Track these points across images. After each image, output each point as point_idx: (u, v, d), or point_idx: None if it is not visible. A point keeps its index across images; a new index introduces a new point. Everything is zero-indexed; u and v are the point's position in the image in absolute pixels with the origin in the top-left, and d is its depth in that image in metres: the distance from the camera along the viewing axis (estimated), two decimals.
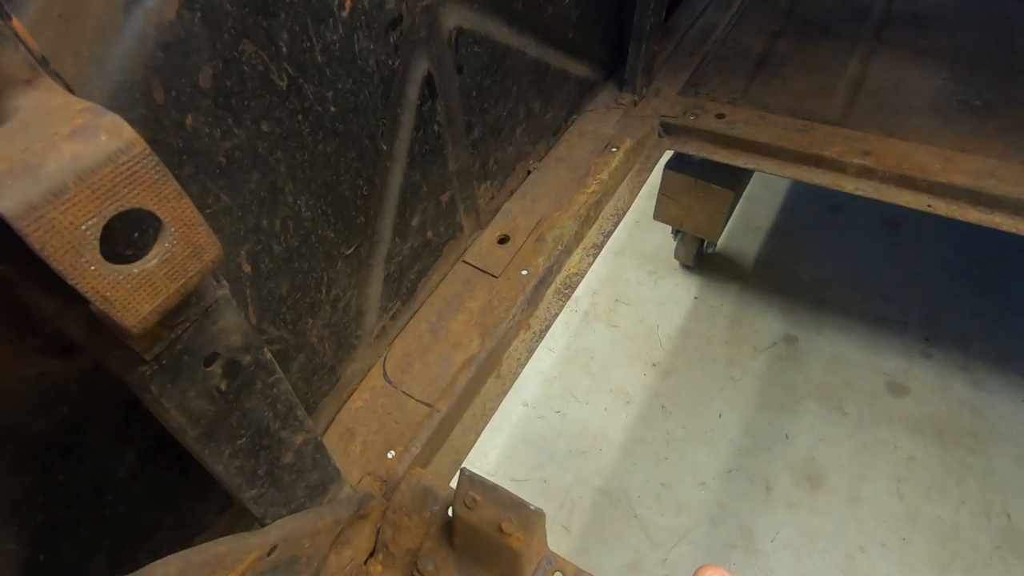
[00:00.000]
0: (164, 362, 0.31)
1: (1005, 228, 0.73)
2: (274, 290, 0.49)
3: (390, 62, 0.51)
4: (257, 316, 0.48)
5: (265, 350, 0.37)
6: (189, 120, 0.37)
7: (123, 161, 0.21)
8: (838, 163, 0.81)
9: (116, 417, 0.39)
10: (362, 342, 0.64)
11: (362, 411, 0.64)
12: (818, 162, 0.83)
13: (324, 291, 0.55)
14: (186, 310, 0.30)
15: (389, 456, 0.60)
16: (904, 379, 1.15)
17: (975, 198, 0.75)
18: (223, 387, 0.35)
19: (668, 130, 0.91)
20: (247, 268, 0.45)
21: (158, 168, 0.22)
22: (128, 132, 0.21)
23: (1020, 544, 0.95)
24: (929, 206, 0.77)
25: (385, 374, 0.67)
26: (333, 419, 0.63)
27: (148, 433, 0.41)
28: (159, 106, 0.35)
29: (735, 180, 1.07)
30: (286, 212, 0.47)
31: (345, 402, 0.64)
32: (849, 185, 0.81)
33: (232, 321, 0.33)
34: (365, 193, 0.55)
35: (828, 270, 1.34)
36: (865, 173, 0.81)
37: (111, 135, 0.21)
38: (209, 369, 0.34)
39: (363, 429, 0.63)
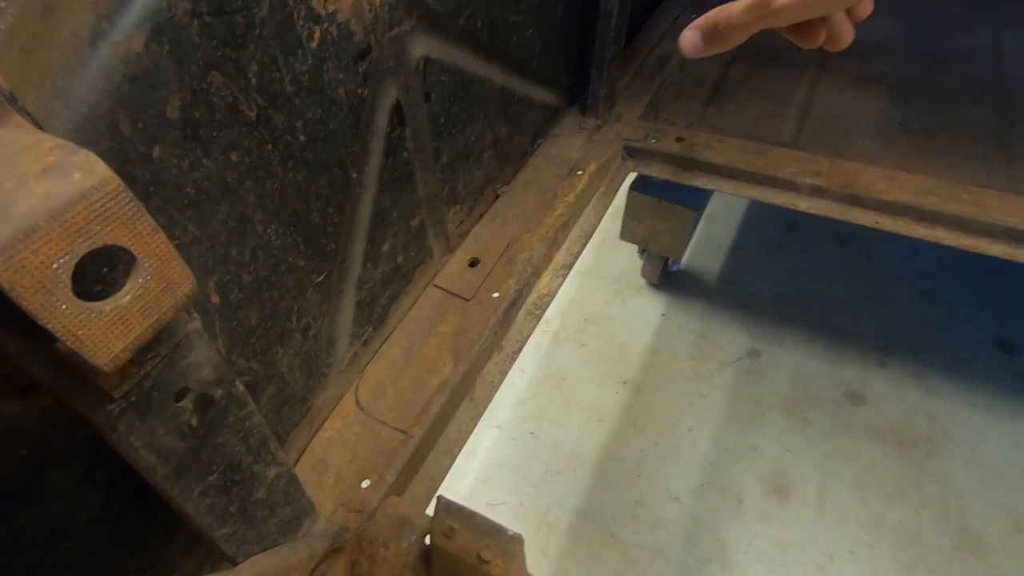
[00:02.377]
0: (133, 399, 0.30)
1: (946, 242, 0.78)
2: (244, 320, 0.48)
3: (359, 91, 0.52)
4: (226, 347, 0.47)
5: (237, 383, 0.36)
6: (156, 151, 0.36)
7: (96, 198, 0.21)
8: (791, 183, 0.85)
9: (77, 458, 0.37)
10: (333, 370, 0.63)
11: (334, 441, 0.63)
12: (773, 182, 0.86)
13: (295, 320, 0.54)
14: (157, 345, 0.29)
15: (363, 486, 0.59)
16: (862, 388, 1.20)
17: (918, 214, 0.80)
18: (194, 423, 0.34)
19: (631, 153, 0.94)
20: (216, 299, 0.44)
21: (132, 204, 0.22)
22: (102, 169, 0.21)
23: (978, 544, 0.99)
24: (877, 223, 0.82)
25: (357, 402, 0.66)
26: (304, 450, 0.62)
27: (111, 474, 0.40)
28: (125, 138, 0.34)
29: (696, 200, 1.11)
30: (256, 241, 0.46)
31: (317, 432, 0.63)
32: (802, 204, 0.85)
33: (203, 355, 0.33)
34: (335, 220, 0.55)
35: (787, 285, 1.39)
36: (817, 192, 0.84)
37: (84, 172, 0.20)
38: (179, 404, 0.33)
39: (336, 459, 0.61)
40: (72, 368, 0.26)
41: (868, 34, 1.11)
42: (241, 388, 0.37)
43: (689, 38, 0.40)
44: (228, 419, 0.37)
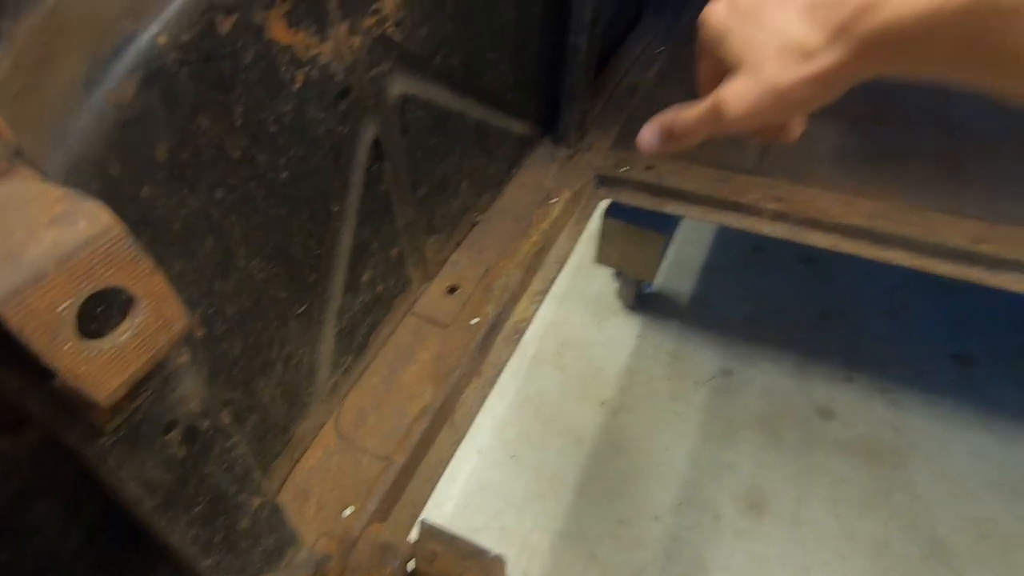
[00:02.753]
0: (123, 433, 0.31)
1: (900, 262, 0.82)
2: (227, 352, 0.49)
3: (340, 129, 0.54)
4: (210, 378, 0.48)
5: (223, 414, 0.37)
6: (145, 191, 0.38)
7: (100, 244, 0.22)
8: (755, 208, 0.89)
9: (64, 492, 0.37)
10: (315, 399, 0.64)
11: (316, 470, 0.63)
12: (737, 208, 0.91)
13: (277, 350, 0.55)
14: (148, 380, 0.30)
15: (345, 514, 0.59)
16: (831, 404, 1.24)
17: (873, 237, 0.84)
18: (181, 454, 0.35)
19: (603, 181, 0.97)
20: (200, 332, 0.45)
21: (133, 248, 0.24)
22: (106, 217, 0.22)
23: (945, 553, 1.03)
24: (835, 245, 0.86)
25: (338, 430, 0.66)
26: (286, 480, 0.62)
27: (95, 508, 0.40)
28: (115, 179, 0.36)
29: (666, 225, 1.15)
30: (239, 275, 0.48)
31: (298, 461, 0.63)
32: (766, 228, 0.89)
33: (191, 387, 0.34)
34: (317, 252, 0.56)
35: (756, 305, 1.44)
36: (779, 217, 0.89)
37: (90, 221, 0.22)
38: (167, 437, 0.34)
39: (317, 488, 0.62)
40: (66, 404, 0.27)
41: None
42: (227, 419, 0.37)
43: (647, 138, 0.42)
44: (214, 450, 0.38)
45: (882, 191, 0.89)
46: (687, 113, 0.39)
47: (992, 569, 1.00)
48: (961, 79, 0.30)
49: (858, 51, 0.31)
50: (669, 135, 0.41)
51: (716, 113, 0.37)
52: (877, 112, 1.04)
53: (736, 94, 0.35)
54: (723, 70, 0.37)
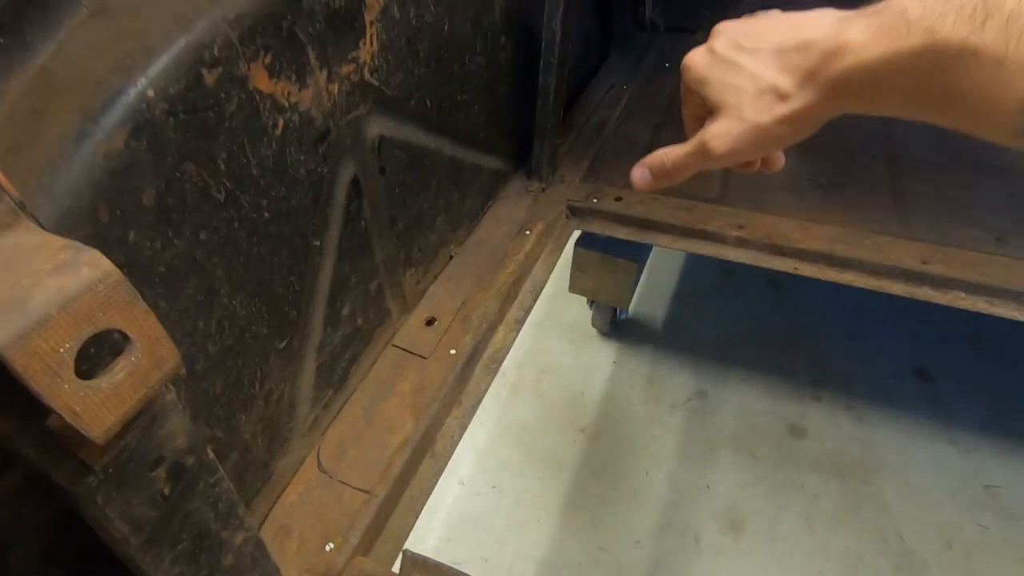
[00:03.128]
0: (111, 471, 0.32)
1: (855, 284, 0.87)
2: (209, 389, 0.50)
3: (319, 169, 0.56)
4: (192, 416, 0.48)
5: (208, 449, 0.38)
6: (132, 236, 0.39)
7: (101, 289, 0.24)
8: (719, 236, 0.94)
9: (43, 536, 0.38)
10: (295, 434, 0.64)
11: (297, 505, 0.63)
12: (703, 235, 0.95)
13: (258, 386, 0.56)
14: (137, 418, 0.31)
15: (327, 549, 0.59)
16: (802, 422, 1.28)
17: (829, 260, 0.89)
18: (167, 491, 0.36)
19: (574, 212, 1.01)
20: (183, 370, 0.46)
21: (130, 292, 0.25)
22: (106, 264, 0.24)
23: (915, 563, 1.06)
24: (796, 269, 0.91)
25: (319, 464, 0.67)
26: (267, 516, 0.62)
27: (73, 552, 0.40)
28: (104, 225, 0.37)
29: (637, 253, 1.19)
30: (222, 313, 0.49)
31: (279, 497, 0.63)
32: (730, 254, 0.94)
33: (178, 424, 0.35)
34: (297, 288, 0.58)
35: (727, 327, 1.48)
36: (742, 243, 0.93)
37: (91, 267, 0.23)
38: (154, 474, 0.34)
39: (299, 524, 0.62)
40: (59, 443, 0.28)
41: None
42: (211, 455, 0.38)
43: (640, 175, 0.47)
44: (199, 486, 0.38)
45: (836, 217, 0.95)
46: (676, 151, 0.43)
47: None
48: (920, 116, 0.34)
49: (827, 93, 0.35)
50: (661, 172, 0.45)
51: (702, 151, 0.41)
52: (826, 143, 1.11)
53: (719, 133, 0.39)
54: (706, 112, 0.41)
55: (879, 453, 1.20)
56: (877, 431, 1.24)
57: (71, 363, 0.24)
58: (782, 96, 0.37)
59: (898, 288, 0.86)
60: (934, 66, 0.30)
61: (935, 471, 1.17)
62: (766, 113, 0.37)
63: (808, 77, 0.35)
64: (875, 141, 1.10)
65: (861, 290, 0.87)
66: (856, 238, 0.90)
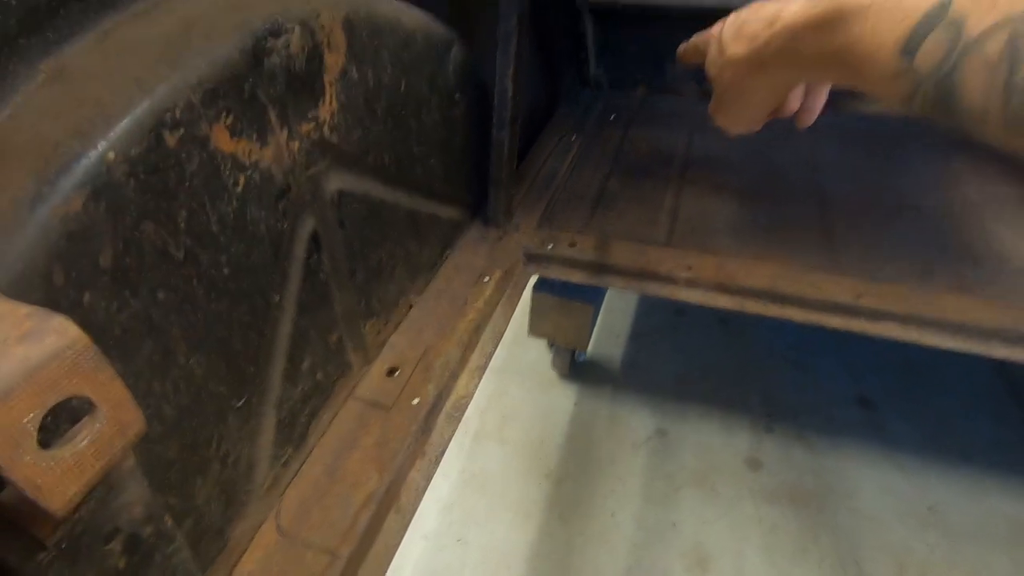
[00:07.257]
0: (63, 546, 0.30)
1: (796, 319, 0.92)
2: (163, 453, 0.48)
3: (279, 225, 0.56)
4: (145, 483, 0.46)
5: (166, 518, 0.37)
6: (87, 298, 0.38)
7: (67, 356, 0.23)
8: (669, 277, 0.98)
9: None
10: (252, 496, 0.62)
11: (255, 573, 0.60)
12: (654, 277, 0.99)
13: (214, 447, 0.54)
14: (95, 488, 0.30)
15: None
16: (757, 454, 1.31)
17: (772, 297, 0.94)
18: (121, 565, 0.34)
19: (531, 259, 1.04)
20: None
21: (96, 357, 0.25)
22: (73, 331, 0.24)
23: None
24: (742, 306, 0.95)
25: (279, 527, 0.64)
26: None
27: None
28: (58, 288, 0.36)
29: (593, 296, 1.23)
30: (178, 372, 0.48)
31: (235, 566, 0.60)
32: (681, 294, 0.98)
33: (135, 492, 0.34)
34: (256, 344, 0.57)
35: (682, 365, 1.52)
36: (691, 283, 0.98)
37: (58, 335, 0.23)
38: (108, 547, 0.33)
39: None
40: (11, 519, 0.27)
41: (714, 149, 1.34)
42: (170, 523, 0.37)
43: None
44: (155, 558, 0.37)
45: (775, 255, 1.01)
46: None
47: None
48: (826, 73, 0.48)
49: (764, 46, 0.51)
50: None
51: (719, 46, 0.61)
52: (762, 189, 1.19)
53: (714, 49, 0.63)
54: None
55: (829, 481, 1.25)
56: (827, 459, 1.29)
57: (34, 433, 0.23)
58: (744, 46, 0.55)
59: (836, 321, 0.92)
60: (835, 26, 0.40)
61: (883, 496, 1.22)
62: (739, 46, 0.56)
63: (753, 38, 0.53)
64: (804, 185, 1.19)
65: (800, 324, 0.92)
66: (794, 275, 0.96)
